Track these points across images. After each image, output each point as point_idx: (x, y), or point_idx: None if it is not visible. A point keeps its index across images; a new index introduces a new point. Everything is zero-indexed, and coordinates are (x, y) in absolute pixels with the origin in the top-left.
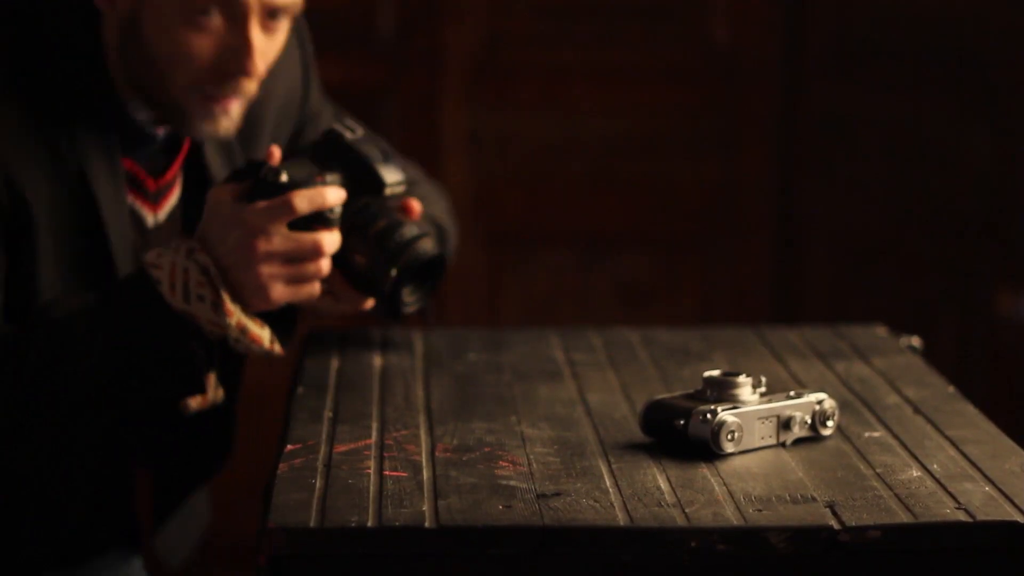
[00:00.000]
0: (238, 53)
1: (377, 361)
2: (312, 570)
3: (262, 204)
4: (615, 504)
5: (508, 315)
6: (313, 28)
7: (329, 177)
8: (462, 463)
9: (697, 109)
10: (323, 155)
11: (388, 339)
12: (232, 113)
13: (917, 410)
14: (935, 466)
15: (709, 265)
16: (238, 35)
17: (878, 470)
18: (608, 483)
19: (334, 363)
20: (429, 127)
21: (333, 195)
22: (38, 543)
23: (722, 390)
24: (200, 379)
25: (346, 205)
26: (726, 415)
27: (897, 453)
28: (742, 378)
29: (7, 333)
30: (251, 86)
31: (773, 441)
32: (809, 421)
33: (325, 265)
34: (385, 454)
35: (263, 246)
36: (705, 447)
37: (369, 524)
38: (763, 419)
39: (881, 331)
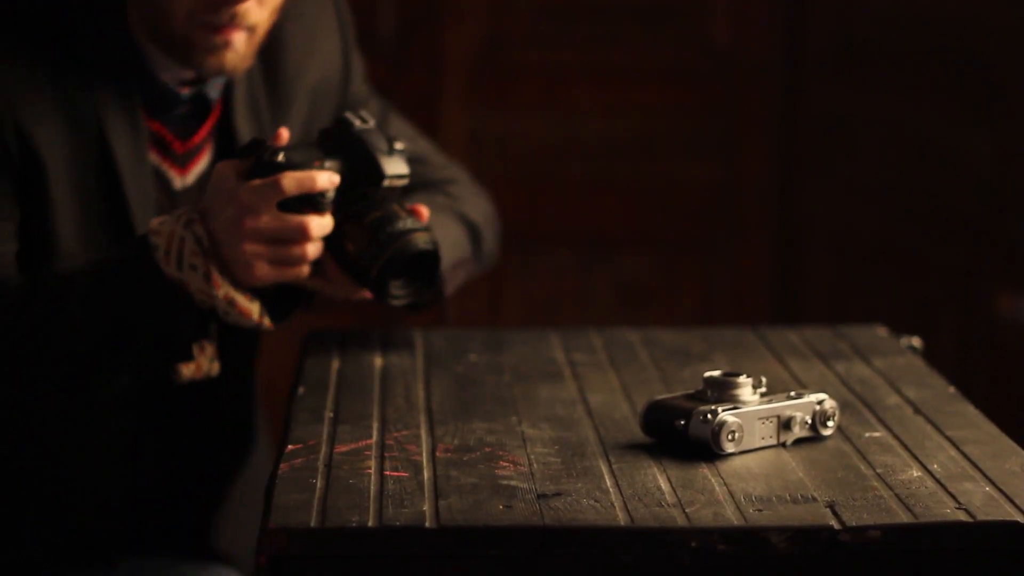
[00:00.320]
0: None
1: (378, 361)
2: (313, 570)
3: (255, 183)
4: (616, 504)
5: (509, 315)
6: None
7: (328, 163)
8: (463, 463)
9: (697, 109)
10: (330, 141)
11: (389, 339)
12: (236, 46)
13: (917, 410)
14: (935, 466)
15: (709, 265)
16: None
17: (878, 470)
18: (609, 483)
19: (335, 363)
20: (429, 127)
21: (323, 179)
22: (44, 541)
23: (722, 390)
24: (187, 346)
25: (345, 193)
26: (726, 415)
27: (897, 453)
28: (742, 378)
29: (16, 283)
30: (252, 15)
31: (773, 441)
32: (809, 421)
33: (312, 249)
34: (386, 454)
35: (250, 224)
36: (705, 447)
37: (370, 524)
38: (763, 419)
39: (881, 331)
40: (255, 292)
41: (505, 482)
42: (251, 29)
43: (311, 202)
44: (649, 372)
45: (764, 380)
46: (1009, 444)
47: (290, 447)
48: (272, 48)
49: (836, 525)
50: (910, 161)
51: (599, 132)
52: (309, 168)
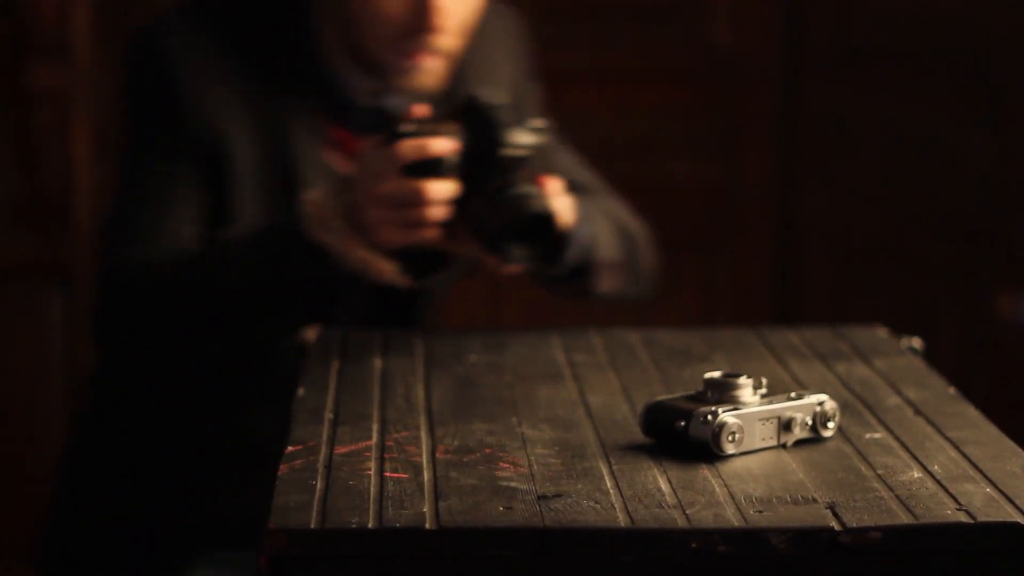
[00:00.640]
0: (422, 12)
1: (378, 362)
2: (313, 571)
3: (381, 151)
4: (616, 505)
5: (508, 316)
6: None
7: (451, 132)
8: (463, 464)
9: (697, 109)
10: (459, 114)
11: (389, 340)
12: (427, 68)
13: (918, 411)
14: (936, 467)
15: (709, 265)
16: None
17: (879, 471)
18: (609, 484)
19: (335, 364)
20: None
21: (439, 145)
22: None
23: (723, 391)
24: (325, 306)
25: (471, 161)
26: (727, 416)
27: (898, 454)
28: (743, 379)
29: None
30: (443, 42)
31: (774, 442)
32: (810, 422)
33: (434, 212)
34: (386, 455)
35: (376, 189)
36: (706, 448)
37: (370, 525)
38: (764, 420)
39: (882, 332)
40: (397, 254)
41: (505, 483)
42: (443, 54)
43: (432, 168)
44: (649, 373)
45: (764, 381)
46: (1010, 445)
47: (290, 448)
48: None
49: (836, 526)
50: (910, 161)
51: (599, 132)
52: (425, 135)
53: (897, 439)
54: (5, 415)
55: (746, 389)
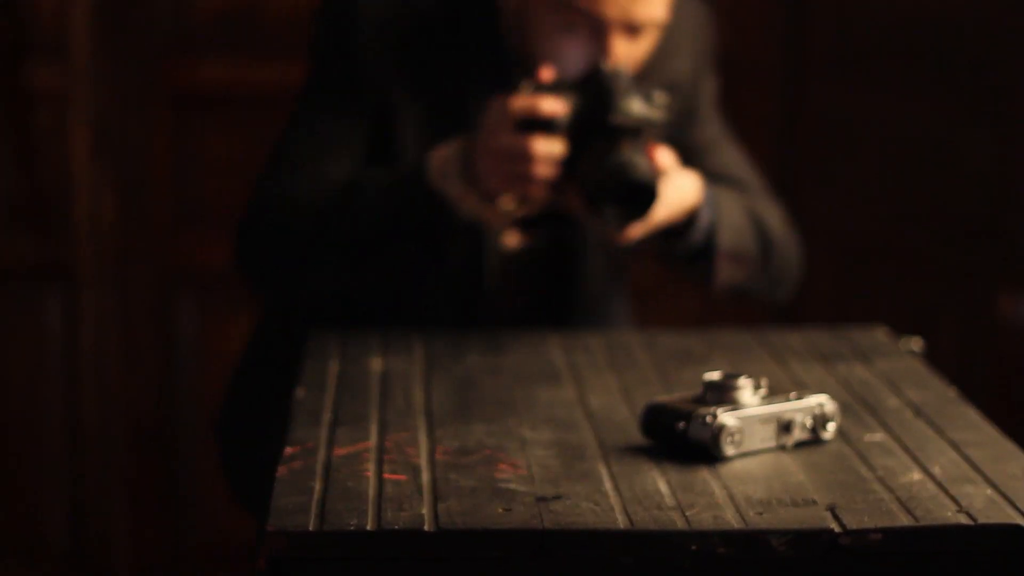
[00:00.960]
0: (600, 59)
1: (377, 364)
2: (311, 573)
3: (498, 106)
4: (615, 507)
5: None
6: (311, 29)
7: (566, 95)
8: (462, 466)
9: None
10: (581, 79)
11: (388, 341)
12: None
13: (918, 413)
14: (936, 469)
15: None
16: (601, 45)
17: (879, 473)
18: (608, 486)
19: (334, 365)
20: None
21: (548, 104)
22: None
23: (722, 393)
24: (438, 247)
25: (582, 124)
26: (727, 418)
27: (898, 456)
28: (742, 380)
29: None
30: (621, 60)
31: (774, 444)
32: (810, 424)
33: (540, 169)
34: (384, 457)
35: (489, 142)
36: (705, 450)
37: (368, 527)
38: (764, 422)
39: (882, 333)
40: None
41: (504, 485)
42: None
43: (542, 126)
44: (649, 374)
45: (764, 382)
46: (1010, 447)
47: (288, 450)
48: None
49: (836, 528)
50: (910, 161)
51: None
52: (536, 93)
53: (897, 441)
54: (4, 415)
55: (746, 390)
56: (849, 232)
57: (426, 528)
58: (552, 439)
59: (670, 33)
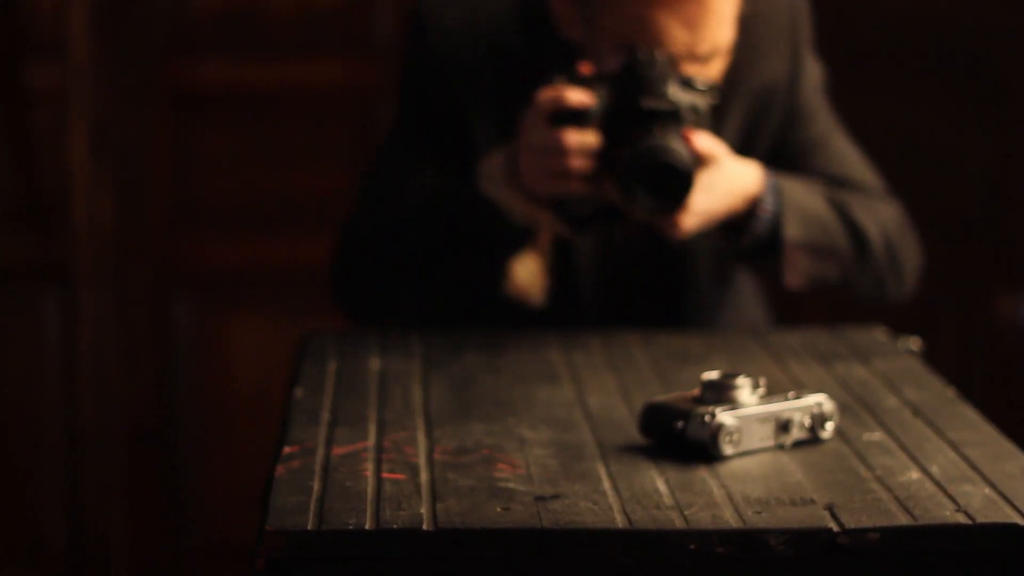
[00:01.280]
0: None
1: (375, 363)
2: (310, 573)
3: (532, 103)
4: (614, 507)
5: None
6: (311, 29)
7: (597, 86)
8: (460, 465)
9: None
10: (620, 69)
11: (386, 341)
12: None
13: (916, 412)
14: (934, 468)
15: None
16: None
17: (877, 472)
18: (607, 485)
19: (332, 365)
20: None
21: (575, 96)
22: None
23: (721, 392)
24: (501, 256)
25: (616, 113)
26: (725, 417)
27: (896, 455)
28: (741, 380)
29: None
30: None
31: (772, 443)
32: (808, 423)
33: (575, 162)
34: (383, 456)
35: (524, 137)
36: (704, 449)
37: (367, 527)
38: (762, 421)
39: (880, 333)
40: (557, 205)
41: (503, 484)
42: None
43: (574, 118)
44: (647, 374)
45: (763, 382)
46: (1008, 446)
47: (287, 449)
48: None
49: (835, 527)
50: (910, 162)
51: None
52: (561, 85)
53: (896, 440)
54: (3, 415)
55: (744, 390)
56: None
57: (425, 527)
58: (551, 439)
59: (759, 34)
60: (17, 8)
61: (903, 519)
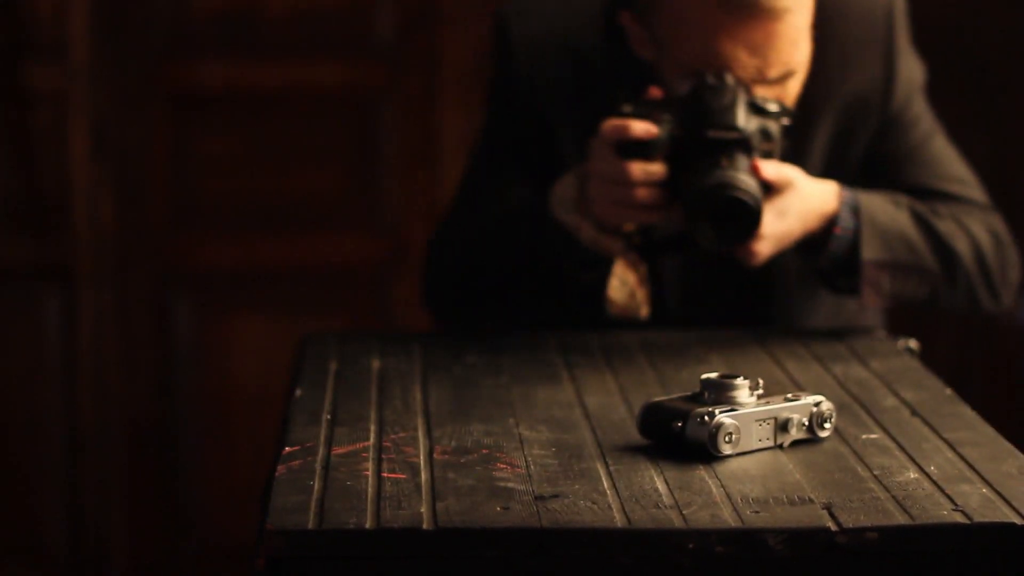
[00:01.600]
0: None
1: (375, 363)
2: (310, 572)
3: (599, 131)
4: (613, 506)
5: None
6: (311, 29)
7: (665, 116)
8: (460, 465)
9: None
10: (687, 94)
11: (387, 341)
12: None
13: (915, 412)
14: (932, 468)
15: None
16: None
17: (875, 472)
18: (606, 485)
19: (332, 365)
20: (427, 130)
21: (638, 128)
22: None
23: (720, 392)
24: (567, 276)
25: (683, 142)
26: (724, 417)
27: (894, 455)
28: (740, 380)
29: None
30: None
31: (770, 443)
32: (807, 423)
33: (640, 193)
34: (383, 456)
35: (591, 166)
36: (703, 449)
37: (367, 526)
38: (760, 421)
39: (879, 333)
40: (625, 233)
41: (502, 484)
42: None
43: (638, 149)
44: (646, 374)
45: (761, 382)
46: (1006, 446)
47: (287, 449)
48: None
49: (833, 527)
50: None
51: None
52: (625, 115)
53: (894, 440)
54: (3, 416)
55: (743, 390)
56: None
57: (425, 527)
58: (550, 438)
59: (850, 43)
60: (17, 8)
61: (901, 519)
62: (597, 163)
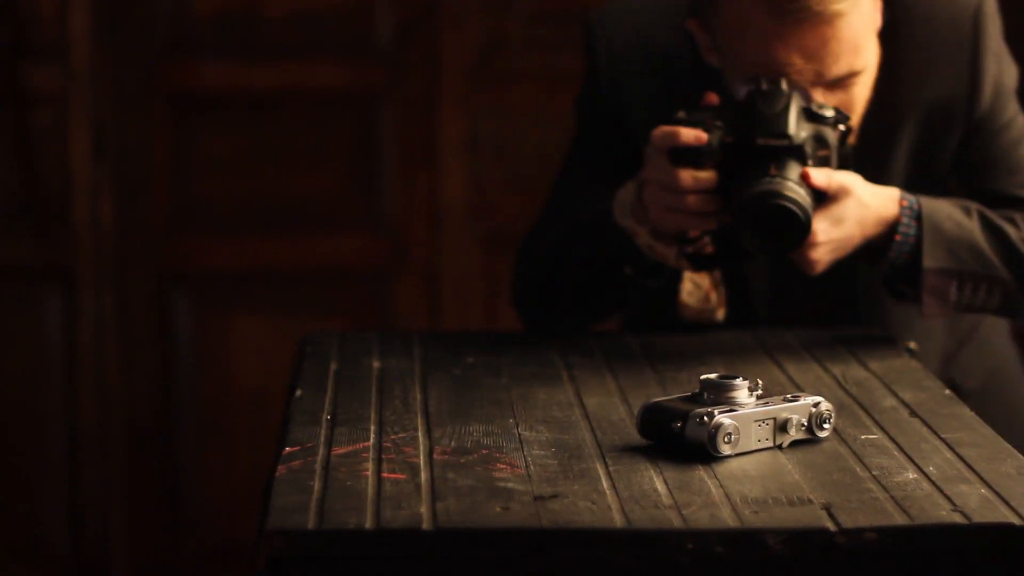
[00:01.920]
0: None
1: (375, 363)
2: (310, 572)
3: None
4: (612, 506)
5: (506, 318)
6: (312, 31)
7: (721, 116)
8: (460, 465)
9: None
10: (742, 101)
11: (386, 341)
12: None
13: (913, 413)
14: (931, 468)
15: None
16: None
17: (874, 472)
18: (605, 485)
19: (332, 365)
20: (427, 131)
21: (687, 135)
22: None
23: (719, 393)
24: (633, 281)
25: (735, 150)
26: (723, 418)
27: (893, 455)
28: (739, 381)
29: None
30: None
31: (770, 443)
32: (806, 424)
33: (691, 200)
34: (383, 456)
35: (646, 172)
36: (702, 449)
37: (367, 526)
38: (760, 422)
39: (878, 333)
40: (681, 240)
41: (502, 484)
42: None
43: (690, 156)
44: (646, 374)
45: (760, 382)
46: (1005, 447)
47: (287, 449)
48: (882, 76)
49: (832, 527)
50: None
51: None
52: (678, 122)
53: (893, 440)
54: (3, 415)
55: (742, 391)
56: None
57: (424, 527)
58: (550, 439)
59: (934, 47)
60: (17, 9)
61: (900, 519)
62: (650, 170)
